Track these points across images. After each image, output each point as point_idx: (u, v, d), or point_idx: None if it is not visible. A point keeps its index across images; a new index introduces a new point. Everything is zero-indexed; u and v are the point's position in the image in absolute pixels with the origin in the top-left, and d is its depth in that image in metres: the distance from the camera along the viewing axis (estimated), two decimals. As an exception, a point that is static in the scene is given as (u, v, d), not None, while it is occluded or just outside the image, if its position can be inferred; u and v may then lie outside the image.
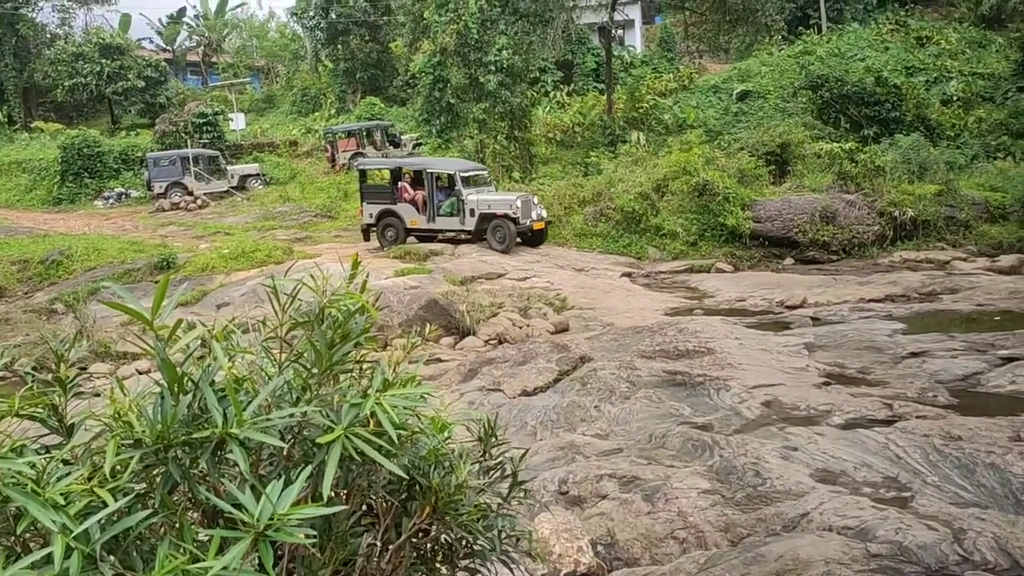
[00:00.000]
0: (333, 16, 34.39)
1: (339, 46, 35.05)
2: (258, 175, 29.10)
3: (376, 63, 35.14)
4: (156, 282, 15.79)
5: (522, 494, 2.47)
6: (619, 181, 18.66)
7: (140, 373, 10.59)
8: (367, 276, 2.02)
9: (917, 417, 5.35)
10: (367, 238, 19.19)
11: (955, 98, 24.91)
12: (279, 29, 50.71)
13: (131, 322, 10.03)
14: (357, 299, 1.87)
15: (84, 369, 10.85)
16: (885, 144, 20.07)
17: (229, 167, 29.04)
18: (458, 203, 17.40)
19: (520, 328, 12.18)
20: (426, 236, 18.41)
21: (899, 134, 20.85)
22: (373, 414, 1.69)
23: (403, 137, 29.34)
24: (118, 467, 1.49)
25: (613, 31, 28.74)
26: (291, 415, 1.65)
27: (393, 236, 18.45)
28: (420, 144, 27.68)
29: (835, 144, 19.18)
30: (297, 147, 33.13)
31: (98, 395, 1.76)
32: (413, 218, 18.11)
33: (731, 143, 21.52)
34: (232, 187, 28.28)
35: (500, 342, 11.84)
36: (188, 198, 26.98)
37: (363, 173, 19.55)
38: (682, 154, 18.31)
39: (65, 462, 1.58)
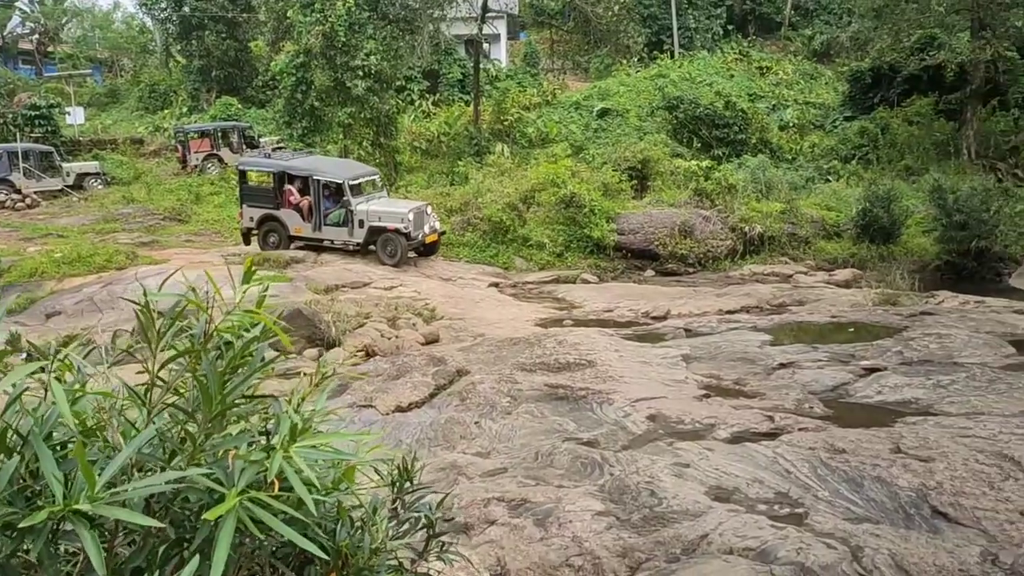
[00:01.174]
0: (187, 10, 32.28)
1: (193, 41, 32.91)
2: (98, 174, 26.64)
3: (234, 61, 33.26)
4: (-32, 291, 13.90)
5: (441, 547, 2.09)
6: (487, 191, 18.56)
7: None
8: (266, 288, 1.58)
9: (799, 429, 5.43)
10: (247, 242, 17.85)
11: (791, 124, 26.93)
12: (126, 20, 47.29)
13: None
14: (258, 317, 1.43)
15: None
16: (734, 164, 21.25)
17: (65, 164, 26.40)
18: (347, 213, 16.36)
19: (389, 339, 11.65)
20: (312, 245, 17.15)
21: (746, 155, 22.19)
22: (281, 474, 1.27)
23: (262, 140, 28.01)
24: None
25: (482, 43, 28.79)
26: (167, 481, 1.20)
27: (276, 242, 17.23)
28: (281, 148, 26.43)
29: (692, 162, 20.07)
30: (144, 145, 30.92)
31: None
32: (298, 225, 16.90)
33: (595, 157, 22.01)
34: (68, 186, 25.73)
35: (368, 354, 11.27)
36: (16, 196, 24.24)
37: (243, 173, 17.95)
38: (550, 166, 18.50)
39: None
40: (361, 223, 16.18)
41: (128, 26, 45.47)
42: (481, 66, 29.88)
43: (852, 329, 8.78)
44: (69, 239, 19.27)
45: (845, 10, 30.70)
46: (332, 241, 16.77)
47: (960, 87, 23.53)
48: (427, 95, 30.56)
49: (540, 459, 6.12)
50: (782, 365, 7.26)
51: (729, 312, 12.31)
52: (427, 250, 16.68)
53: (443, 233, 17.09)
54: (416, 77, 30.22)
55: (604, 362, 7.72)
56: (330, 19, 21.96)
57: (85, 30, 46.80)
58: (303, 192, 16.88)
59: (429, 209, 16.58)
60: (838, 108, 27.87)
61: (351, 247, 16.63)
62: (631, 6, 25.46)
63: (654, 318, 12.22)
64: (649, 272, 17.21)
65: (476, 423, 7.21)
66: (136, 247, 18.94)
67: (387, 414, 7.94)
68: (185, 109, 32.96)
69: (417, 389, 8.15)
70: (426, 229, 16.14)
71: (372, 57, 21.97)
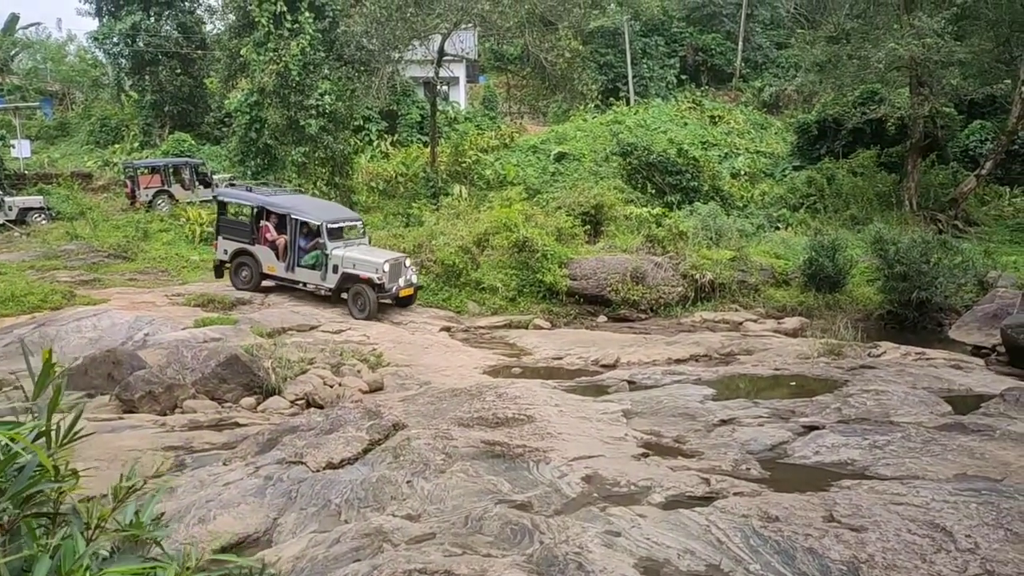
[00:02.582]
0: (140, 44, 31.91)
1: (146, 77, 32.46)
2: (42, 208, 25.85)
3: (188, 97, 32.86)
4: None
5: None
6: (440, 234, 18.43)
7: None
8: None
9: (735, 494, 5.30)
10: (219, 275, 17.41)
11: (742, 172, 27.51)
12: (79, 54, 46.58)
13: None
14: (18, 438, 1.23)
15: None
16: (686, 211, 21.54)
17: (7, 198, 25.57)
18: (322, 256, 15.80)
19: (331, 387, 11.34)
20: (283, 287, 16.69)
21: (698, 202, 22.52)
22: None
23: (215, 177, 27.59)
24: None
25: (438, 86, 28.99)
26: None
27: (247, 277, 16.81)
28: (233, 185, 26.05)
29: (644, 209, 20.27)
30: (92, 180, 30.19)
31: None
32: (271, 263, 16.44)
33: (549, 201, 22.15)
34: (9, 220, 24.92)
35: (308, 403, 10.93)
36: (-48, 231, 23.39)
37: (223, 204, 17.54)
38: (503, 210, 18.48)
39: None
40: (335, 268, 15.62)
41: (81, 59, 44.81)
42: (439, 108, 30.09)
43: (794, 383, 8.76)
44: (6, 276, 18.58)
45: (792, 64, 31.72)
46: (304, 284, 16.24)
47: (901, 141, 24.39)
48: (385, 136, 30.56)
49: (470, 524, 5.88)
50: (723, 421, 7.17)
51: (678, 361, 12.27)
52: (401, 303, 16.10)
53: (420, 287, 16.58)
54: (374, 118, 30.24)
55: (544, 417, 7.54)
56: (284, 58, 21.90)
57: (37, 62, 45.96)
58: (280, 230, 16.39)
59: (408, 262, 16.05)
60: (787, 158, 28.60)
61: (322, 292, 16.03)
62: (585, 54, 25.89)
63: (604, 366, 12.13)
64: (602, 318, 17.18)
65: (408, 482, 6.94)
66: (76, 286, 18.32)
67: (317, 471, 7.62)
68: (137, 144, 32.36)
69: (350, 444, 7.85)
70: (401, 282, 15.58)
71: (327, 97, 21.93)
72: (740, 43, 36.07)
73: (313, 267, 15.91)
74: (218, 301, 16.24)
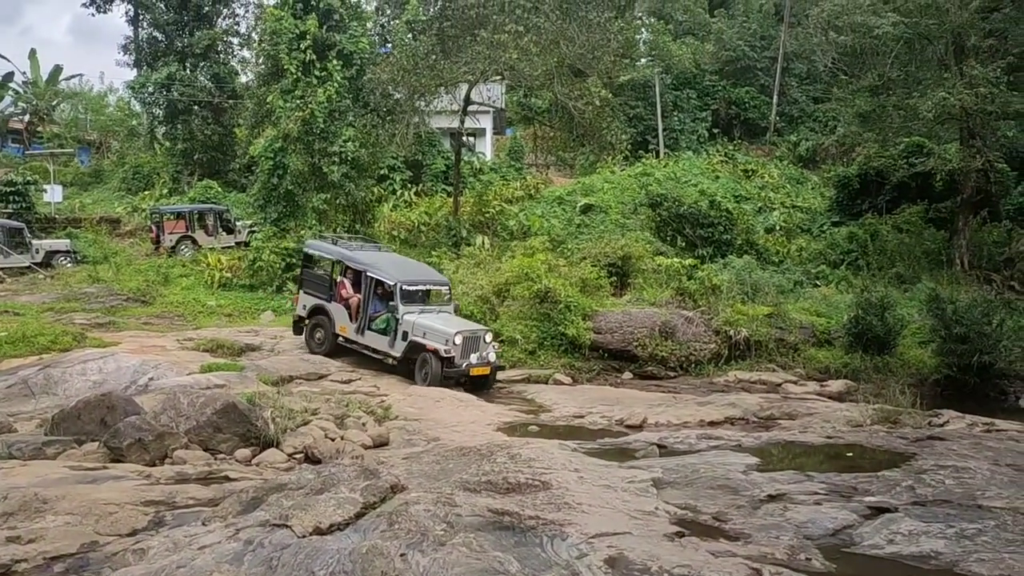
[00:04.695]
0: (175, 94, 32.41)
1: (179, 125, 33.02)
2: (68, 252, 26.00)
3: (217, 146, 33.25)
4: None
5: None
6: (459, 283, 17.66)
7: None
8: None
9: (794, 592, 4.26)
10: (297, 332, 16.03)
11: (778, 227, 26.54)
12: (117, 104, 47.83)
13: None
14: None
15: None
16: (719, 264, 20.57)
17: (35, 241, 25.69)
18: (392, 320, 14.27)
19: (333, 440, 10.42)
20: (358, 351, 15.03)
21: (731, 255, 21.55)
22: None
23: (238, 223, 27.54)
24: None
25: (464, 136, 28.75)
26: None
27: (321, 340, 15.35)
28: (254, 231, 25.87)
29: (675, 259, 19.36)
30: (120, 226, 30.37)
31: None
32: (343, 324, 14.98)
33: (574, 252, 21.36)
34: (35, 263, 24.99)
35: (307, 457, 10.01)
36: (-20, 273, 23.46)
37: (308, 257, 16.25)
38: (525, 259, 17.71)
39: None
40: (404, 336, 13.99)
41: (119, 109, 45.99)
42: (465, 158, 29.81)
43: (851, 453, 7.67)
44: (24, 317, 18.28)
45: (830, 118, 30.97)
46: (374, 350, 14.60)
47: (950, 196, 23.27)
48: (409, 185, 30.29)
49: (469, 612, 4.86)
50: (771, 497, 6.10)
51: (712, 423, 11.19)
52: (474, 384, 13.95)
53: (500, 368, 14.55)
54: (399, 167, 30.03)
55: (561, 484, 6.54)
56: (310, 105, 21.71)
57: (78, 112, 47.24)
58: (357, 288, 15.01)
59: (488, 337, 14.17)
60: (825, 213, 27.61)
61: (389, 361, 14.38)
62: (614, 105, 25.43)
63: (629, 426, 11.10)
64: (627, 375, 16.12)
65: (402, 555, 5.95)
66: (90, 328, 18.00)
67: (303, 536, 6.66)
68: (166, 191, 32.62)
69: (342, 507, 6.90)
70: (473, 359, 13.69)
71: (350, 144, 21.60)
72: (775, 96, 35.47)
73: (384, 332, 14.38)
74: (227, 347, 15.62)
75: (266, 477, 8.72)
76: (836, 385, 15.07)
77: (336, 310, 15.08)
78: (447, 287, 15.57)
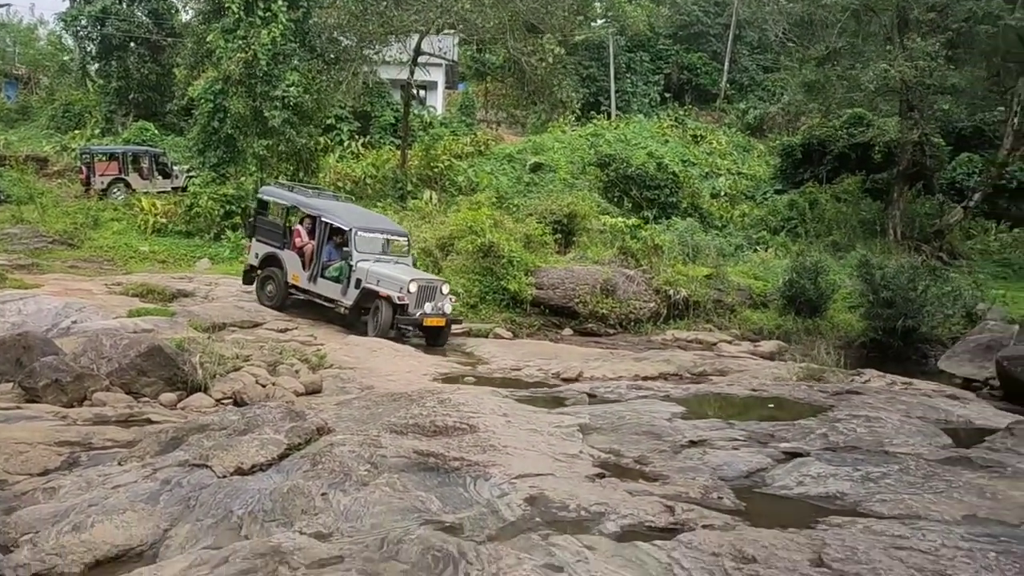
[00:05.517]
0: (110, 29, 30.81)
1: (113, 62, 31.40)
2: (-10, 190, 24.76)
3: (154, 86, 31.84)
4: None
5: None
6: (404, 236, 17.40)
7: None
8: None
9: (703, 527, 4.36)
10: (247, 281, 15.34)
11: (723, 193, 26.90)
12: (48, 37, 45.31)
13: None
14: None
15: None
16: (663, 225, 20.77)
17: (-47, 181, 24.40)
18: (346, 268, 13.71)
19: (264, 386, 10.23)
20: (311, 304, 14.46)
21: (675, 218, 21.78)
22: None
23: (175, 168, 26.60)
24: None
25: (415, 89, 28.17)
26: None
27: (272, 293, 14.66)
28: (192, 176, 25.03)
29: (619, 219, 19.46)
30: (48, 165, 29.00)
31: None
32: (295, 272, 14.35)
33: (521, 209, 21.28)
34: (-47, 203, 23.73)
35: (236, 402, 9.82)
36: None
37: (263, 204, 15.51)
38: (470, 213, 17.54)
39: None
40: (358, 283, 13.50)
41: (50, 43, 43.67)
42: (415, 112, 29.25)
43: (773, 405, 7.88)
44: (-62, 259, 17.44)
45: (779, 87, 31.36)
46: (326, 299, 14.10)
47: (887, 168, 23.89)
48: (357, 136, 29.64)
49: (386, 547, 4.84)
50: (692, 443, 6.23)
51: (646, 378, 11.36)
52: (428, 336, 13.68)
53: (457, 321, 14.16)
54: (346, 117, 29.32)
55: (488, 427, 6.55)
56: (253, 47, 20.91)
57: (5, 45, 44.69)
58: (312, 236, 14.41)
59: (445, 289, 13.76)
60: (769, 181, 28.09)
61: (340, 310, 13.88)
62: (567, 63, 25.20)
63: (564, 379, 11.18)
64: (567, 331, 16.23)
65: (324, 495, 5.89)
66: (10, 269, 17.23)
67: (223, 476, 6.54)
68: (98, 131, 31.21)
69: (265, 448, 6.78)
70: (428, 308, 13.27)
71: (293, 89, 20.91)
72: (726, 64, 35.70)
73: (337, 279, 13.88)
74: (158, 292, 15.14)
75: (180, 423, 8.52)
76: (768, 345, 15.46)
77: (289, 258, 14.50)
78: (406, 238, 15.11)
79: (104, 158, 26.22)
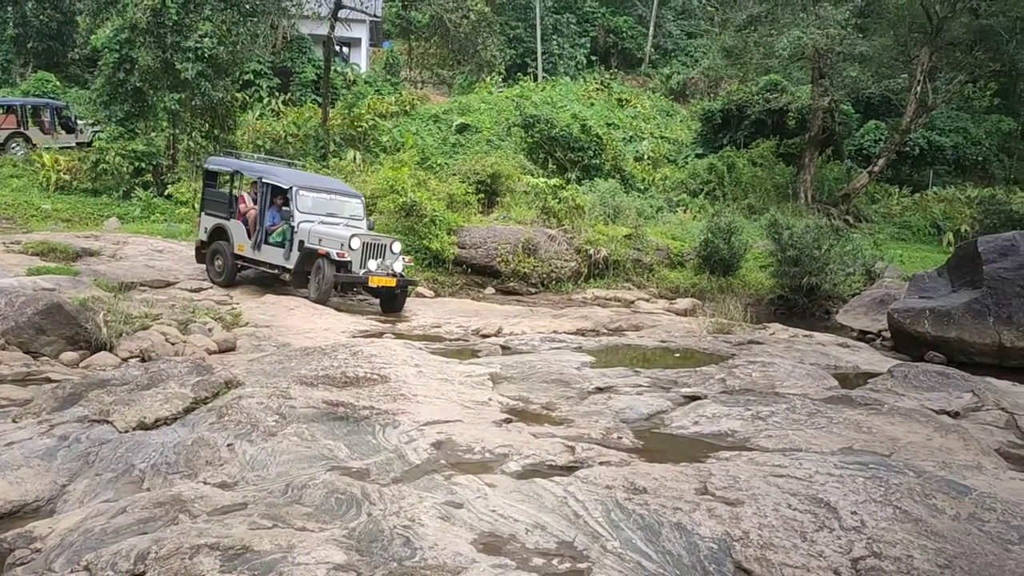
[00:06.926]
0: (4, -28, 28.82)
1: (8, 7, 29.41)
2: None
3: (55, 34, 29.96)
4: None
5: None
6: (324, 194, 17.04)
7: None
8: None
9: (600, 463, 4.55)
10: (200, 259, 14.10)
11: (646, 156, 27.30)
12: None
13: None
14: None
15: None
16: (586, 186, 21.00)
17: None
18: (288, 230, 12.75)
19: (174, 344, 9.97)
20: (262, 276, 13.61)
21: (599, 179, 22.04)
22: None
23: (80, 122, 25.21)
24: None
25: (337, 45, 27.38)
26: None
27: (220, 268, 13.54)
28: (98, 131, 23.79)
29: (542, 180, 19.56)
30: (-63, 119, 27.10)
31: None
32: (241, 242, 13.29)
33: (445, 169, 21.11)
34: None
35: (143, 360, 9.54)
36: None
37: (211, 174, 14.38)
38: (392, 172, 17.31)
39: None
40: (301, 244, 12.49)
41: (-63, -14, 40.35)
42: (338, 69, 28.47)
43: (679, 355, 8.18)
44: None
45: (701, 53, 31.84)
46: (271, 266, 13.10)
47: (800, 134, 24.68)
48: (277, 93, 28.70)
49: (290, 492, 4.88)
50: (599, 389, 6.43)
51: (565, 333, 11.59)
52: (380, 298, 12.98)
53: (413, 283, 13.46)
54: (266, 73, 28.33)
55: (399, 377, 6.60)
56: (161, -7, 19.88)
57: None
58: (257, 201, 13.44)
59: (397, 247, 12.83)
60: (690, 145, 28.65)
61: (285, 277, 12.99)
62: (492, 21, 24.92)
63: (483, 336, 11.29)
64: (489, 290, 16.34)
65: (229, 446, 5.86)
66: None
67: (125, 431, 6.41)
68: (-6, 82, 29.31)
69: (170, 402, 6.68)
70: (372, 266, 12.34)
71: (207, 40, 20.02)
72: (651, 28, 35.99)
73: (280, 244, 12.89)
74: (60, 251, 14.44)
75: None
76: (683, 303, 15.93)
77: (235, 227, 13.51)
78: (359, 199, 13.90)
79: (1, 111, 24.68)
